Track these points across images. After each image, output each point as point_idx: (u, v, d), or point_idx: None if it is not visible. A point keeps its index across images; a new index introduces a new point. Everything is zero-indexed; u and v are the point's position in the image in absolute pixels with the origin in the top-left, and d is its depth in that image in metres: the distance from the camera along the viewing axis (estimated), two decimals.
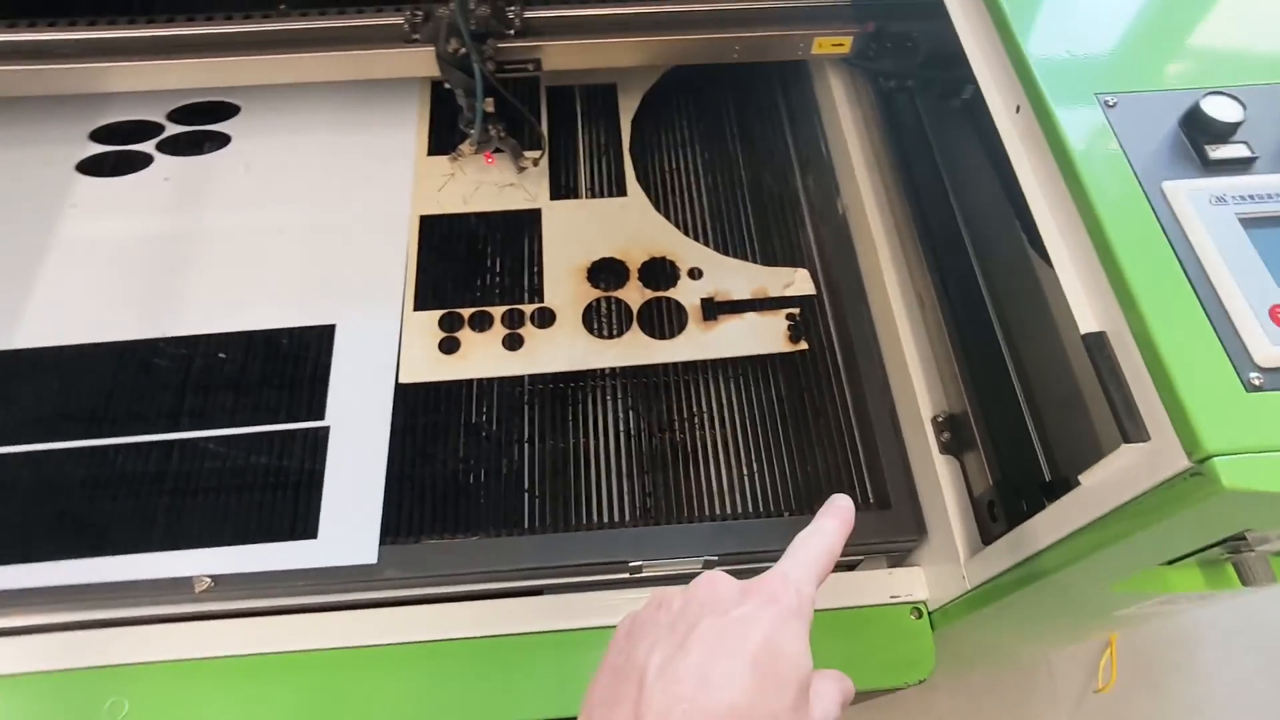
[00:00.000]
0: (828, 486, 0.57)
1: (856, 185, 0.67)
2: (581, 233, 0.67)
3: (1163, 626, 1.04)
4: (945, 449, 0.53)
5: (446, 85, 0.65)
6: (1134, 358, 0.33)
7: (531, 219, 0.68)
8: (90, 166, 0.71)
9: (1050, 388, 0.53)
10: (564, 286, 0.64)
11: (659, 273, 0.65)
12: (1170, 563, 0.39)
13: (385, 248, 0.66)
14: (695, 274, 0.65)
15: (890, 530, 0.55)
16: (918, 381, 0.56)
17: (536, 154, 0.69)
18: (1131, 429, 0.32)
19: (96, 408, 0.58)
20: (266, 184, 0.70)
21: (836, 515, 0.34)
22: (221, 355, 0.61)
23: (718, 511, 0.56)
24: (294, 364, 0.60)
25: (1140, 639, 1.02)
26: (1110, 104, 0.38)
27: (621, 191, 0.70)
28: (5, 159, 0.71)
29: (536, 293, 0.64)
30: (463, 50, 0.61)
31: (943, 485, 0.53)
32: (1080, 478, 0.36)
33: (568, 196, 0.69)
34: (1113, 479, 0.34)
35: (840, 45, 0.67)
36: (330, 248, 0.66)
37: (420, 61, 0.65)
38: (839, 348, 0.63)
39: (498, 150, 0.70)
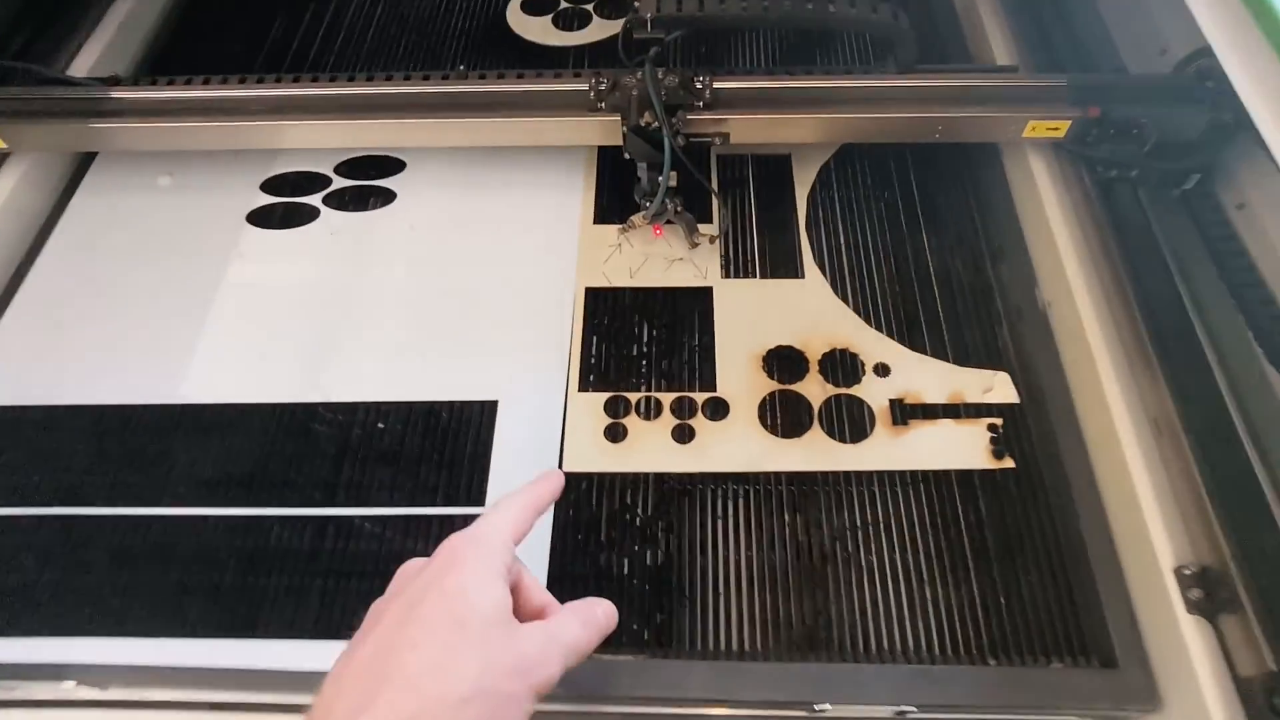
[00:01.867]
0: (1037, 633, 0.50)
1: (1066, 280, 0.60)
2: (756, 316, 0.63)
3: None
4: (1195, 609, 0.46)
5: (627, 156, 0.62)
6: None
7: (702, 298, 0.64)
8: (259, 217, 0.71)
9: None
10: (738, 375, 0.60)
11: (841, 367, 0.60)
12: None
13: (550, 319, 0.63)
14: (881, 370, 0.59)
15: (1115, 695, 0.48)
16: (1154, 523, 0.49)
17: (713, 231, 0.65)
18: None
19: (254, 473, 0.57)
20: (429, 244, 0.69)
21: (548, 479, 0.39)
22: (380, 425, 0.59)
23: (910, 650, 0.50)
24: (454, 440, 0.58)
25: None
26: None
27: (798, 273, 0.65)
28: (183, 204, 0.72)
29: (708, 380, 0.59)
30: (655, 124, 0.57)
31: (1192, 653, 0.45)
32: None
33: (741, 275, 0.65)
34: None
35: (1055, 130, 0.61)
36: (493, 315, 0.64)
37: (599, 130, 0.63)
38: (1044, 469, 0.56)
39: (669, 223, 0.66)
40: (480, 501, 0.55)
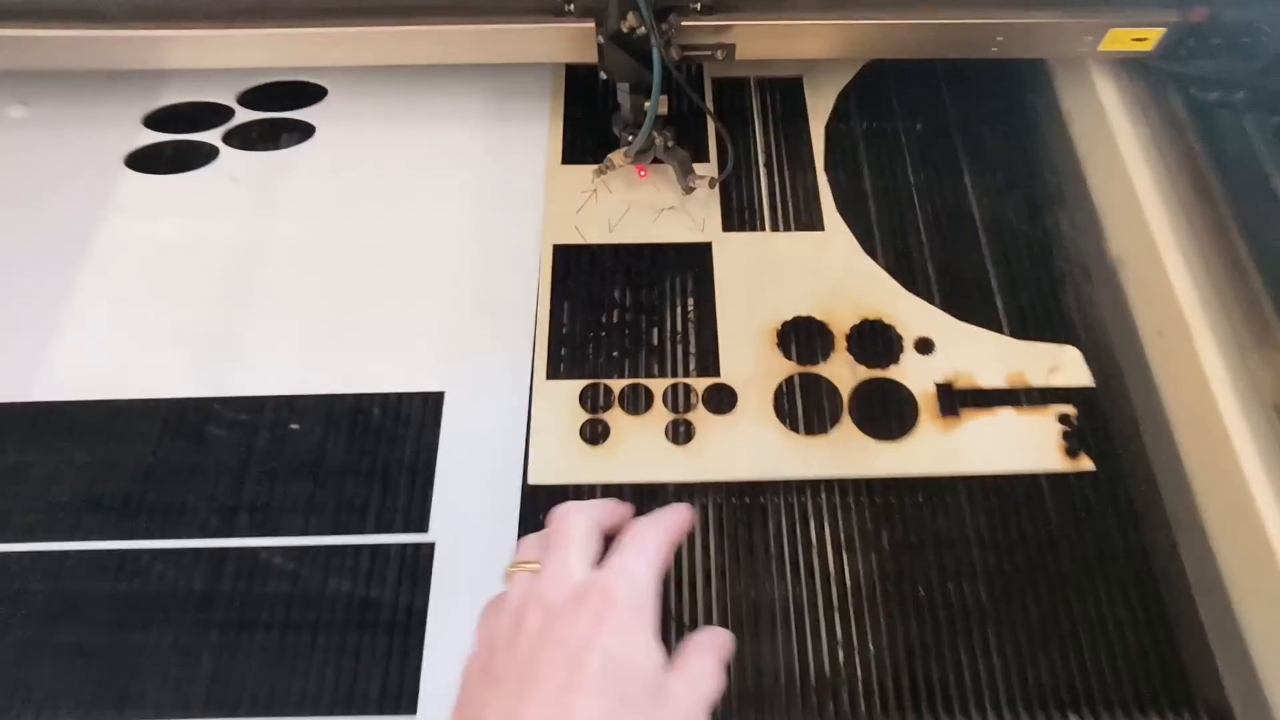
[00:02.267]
0: (1128, 680, 0.40)
1: (1146, 230, 0.49)
2: (767, 279, 0.50)
3: None
4: None
5: (603, 75, 0.49)
6: None
7: (700, 257, 0.51)
8: (142, 160, 0.57)
9: None
10: (746, 355, 0.48)
11: (875, 342, 0.48)
12: None
13: (509, 286, 0.50)
14: (924, 346, 0.48)
15: None
16: None
17: (711, 172, 0.52)
18: None
19: (130, 492, 0.44)
20: (358, 193, 0.55)
21: (679, 509, 0.34)
22: (294, 426, 0.46)
23: (972, 706, 0.39)
24: (389, 445, 0.45)
25: None
26: None
27: (817, 224, 0.53)
28: (42, 143, 0.57)
29: (709, 363, 0.48)
30: (640, 30, 0.44)
31: None
32: None
33: (747, 228, 0.53)
34: None
35: (1143, 40, 0.49)
36: (438, 284, 0.51)
37: (568, 41, 0.49)
38: (1129, 470, 0.45)
39: (656, 161, 0.53)
40: (423, 525, 0.43)
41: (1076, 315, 0.50)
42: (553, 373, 0.47)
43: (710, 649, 0.31)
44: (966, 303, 0.50)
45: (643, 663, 0.28)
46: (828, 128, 0.57)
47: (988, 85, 0.60)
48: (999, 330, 0.49)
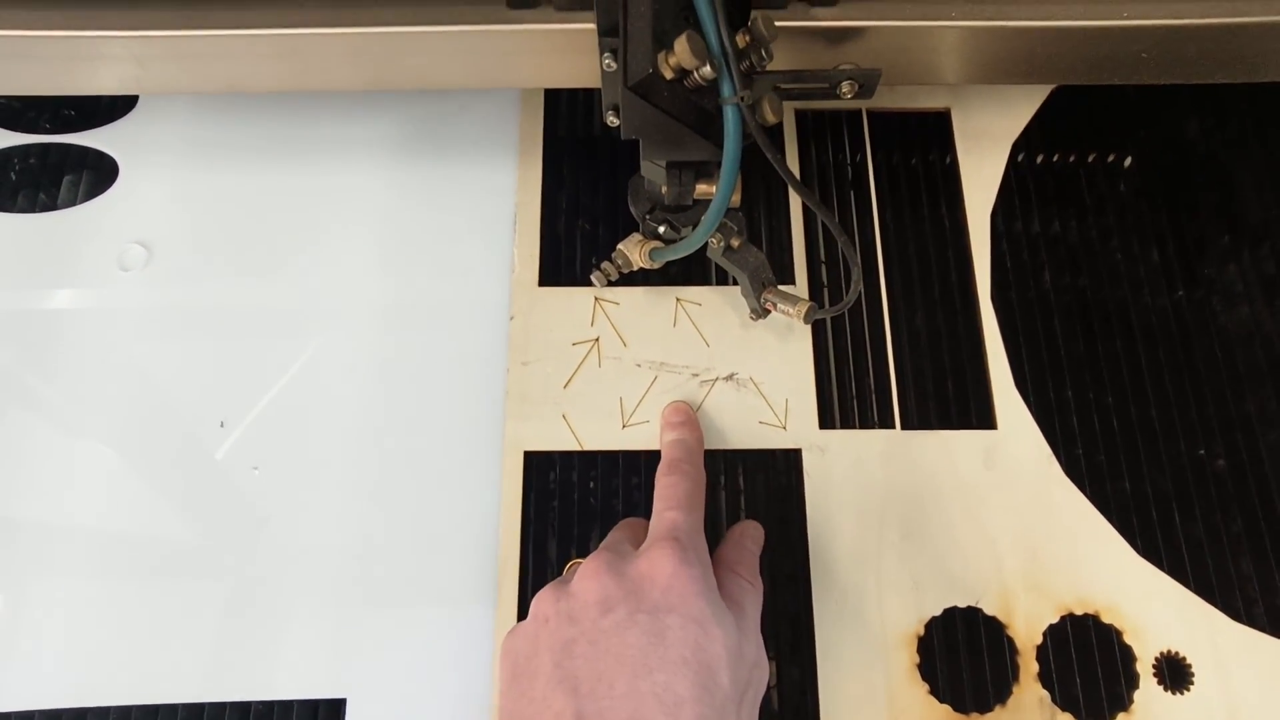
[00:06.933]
0: None
1: None
2: (898, 530, 0.29)
3: None
4: None
5: (611, 123, 0.24)
6: None
7: (780, 476, 0.29)
8: None
9: None
10: (865, 689, 0.27)
11: (1088, 663, 0.28)
12: None
13: (447, 522, 0.29)
14: (1174, 672, 0.27)
15: None
16: None
17: (797, 295, 0.28)
18: None
19: None
20: (187, 303, 0.32)
21: (678, 425, 0.29)
22: None
23: None
24: None
25: None
26: None
27: (982, 413, 0.31)
28: None
29: (801, 702, 0.27)
30: (703, 73, 0.20)
31: None
32: None
33: (860, 422, 0.30)
34: None
35: None
36: (332, 513, 0.29)
37: (549, 59, 0.25)
38: None
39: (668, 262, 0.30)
40: None
41: None
42: None
43: (748, 569, 0.26)
44: (1242, 584, 0.29)
45: (725, 640, 0.23)
46: (996, 213, 0.33)
47: (1255, 123, 0.36)
48: None
